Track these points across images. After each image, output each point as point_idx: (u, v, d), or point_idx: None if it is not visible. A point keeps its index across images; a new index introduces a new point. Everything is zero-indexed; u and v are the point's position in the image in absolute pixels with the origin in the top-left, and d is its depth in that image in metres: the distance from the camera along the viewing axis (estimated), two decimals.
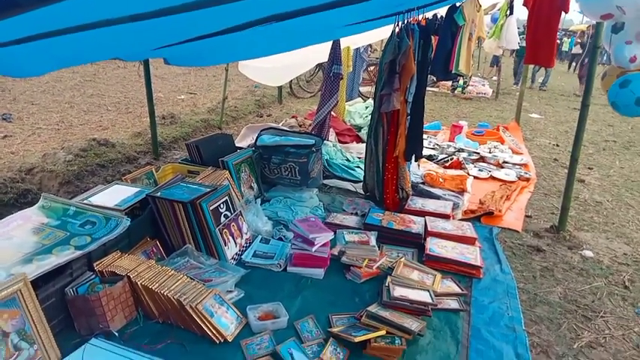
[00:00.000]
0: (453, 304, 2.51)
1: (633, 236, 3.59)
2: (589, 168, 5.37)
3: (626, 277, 2.98)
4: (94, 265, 2.26)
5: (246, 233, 3.00)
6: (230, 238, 2.82)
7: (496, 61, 12.17)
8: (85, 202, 2.66)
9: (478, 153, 5.31)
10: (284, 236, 3.13)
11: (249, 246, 2.96)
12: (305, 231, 2.75)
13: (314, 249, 2.72)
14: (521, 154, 5.56)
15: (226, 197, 2.89)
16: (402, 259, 2.74)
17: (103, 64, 11.09)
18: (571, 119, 8.13)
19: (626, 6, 2.48)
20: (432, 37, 3.68)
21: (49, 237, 2.26)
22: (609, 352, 2.30)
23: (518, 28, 8.82)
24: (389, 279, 2.51)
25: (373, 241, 2.91)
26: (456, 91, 10.16)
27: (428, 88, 3.72)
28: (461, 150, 5.40)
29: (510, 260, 3.08)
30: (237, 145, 4.25)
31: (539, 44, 4.86)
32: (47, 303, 2.00)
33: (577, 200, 4.24)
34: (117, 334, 2.10)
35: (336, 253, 2.85)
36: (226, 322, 2.18)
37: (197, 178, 3.17)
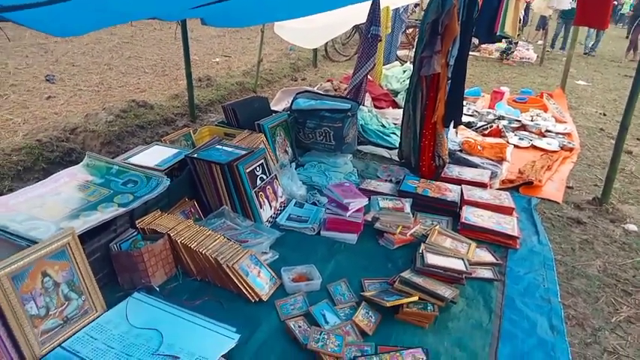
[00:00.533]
0: (487, 273, 2.48)
1: None
2: (638, 139, 5.09)
3: None
4: (136, 222, 2.35)
5: (281, 197, 3.03)
6: (265, 200, 2.86)
7: (543, 23, 11.49)
8: (126, 161, 2.73)
9: (519, 121, 5.11)
10: (318, 201, 3.14)
11: (284, 209, 2.99)
12: (339, 196, 2.75)
13: (348, 214, 2.73)
14: (565, 122, 5.31)
15: (262, 160, 2.91)
16: (437, 227, 2.72)
17: (140, 25, 11.15)
18: (621, 87, 7.68)
19: None
20: None
21: (94, 194, 2.35)
22: None
23: None
24: (423, 246, 2.50)
25: (407, 208, 2.89)
26: (503, 56, 9.66)
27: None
28: (501, 117, 5.20)
29: (549, 232, 3.01)
30: (272, 108, 4.24)
31: (593, 2, 4.49)
32: (93, 257, 2.09)
33: (623, 172, 4.06)
34: (158, 289, 2.19)
35: (370, 219, 2.85)
36: (261, 282, 2.24)
37: (233, 140, 3.20)
